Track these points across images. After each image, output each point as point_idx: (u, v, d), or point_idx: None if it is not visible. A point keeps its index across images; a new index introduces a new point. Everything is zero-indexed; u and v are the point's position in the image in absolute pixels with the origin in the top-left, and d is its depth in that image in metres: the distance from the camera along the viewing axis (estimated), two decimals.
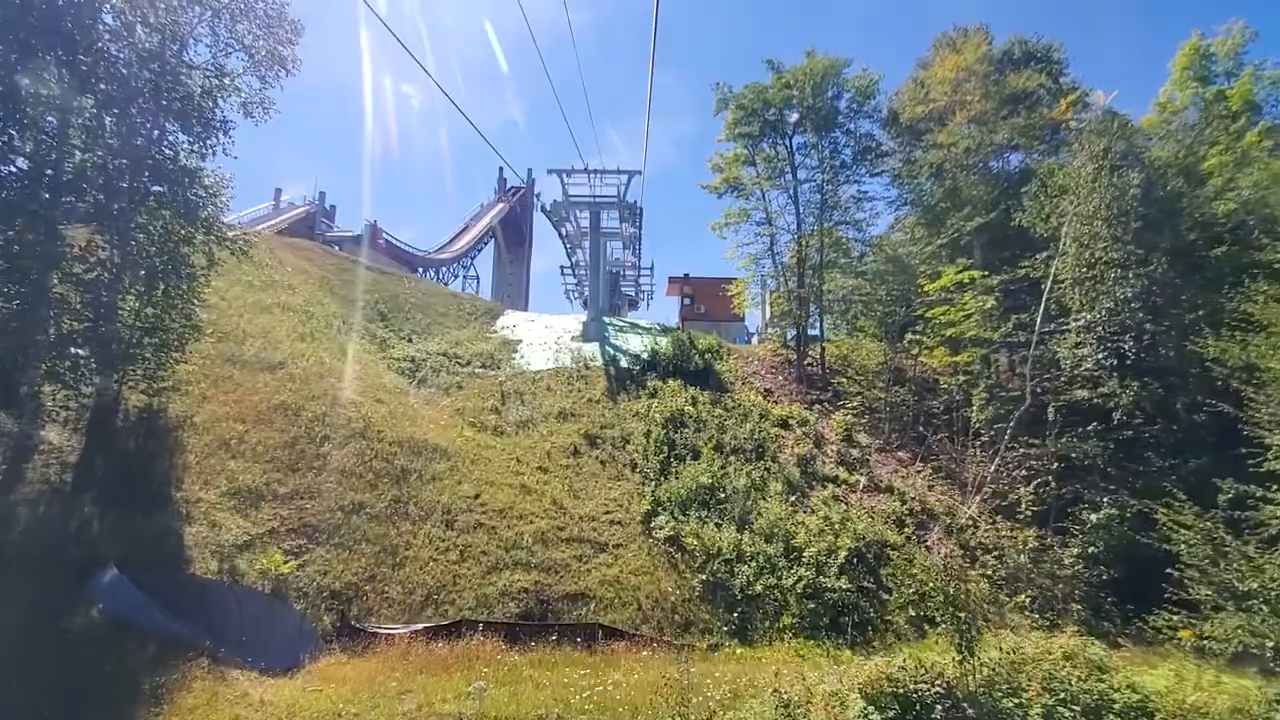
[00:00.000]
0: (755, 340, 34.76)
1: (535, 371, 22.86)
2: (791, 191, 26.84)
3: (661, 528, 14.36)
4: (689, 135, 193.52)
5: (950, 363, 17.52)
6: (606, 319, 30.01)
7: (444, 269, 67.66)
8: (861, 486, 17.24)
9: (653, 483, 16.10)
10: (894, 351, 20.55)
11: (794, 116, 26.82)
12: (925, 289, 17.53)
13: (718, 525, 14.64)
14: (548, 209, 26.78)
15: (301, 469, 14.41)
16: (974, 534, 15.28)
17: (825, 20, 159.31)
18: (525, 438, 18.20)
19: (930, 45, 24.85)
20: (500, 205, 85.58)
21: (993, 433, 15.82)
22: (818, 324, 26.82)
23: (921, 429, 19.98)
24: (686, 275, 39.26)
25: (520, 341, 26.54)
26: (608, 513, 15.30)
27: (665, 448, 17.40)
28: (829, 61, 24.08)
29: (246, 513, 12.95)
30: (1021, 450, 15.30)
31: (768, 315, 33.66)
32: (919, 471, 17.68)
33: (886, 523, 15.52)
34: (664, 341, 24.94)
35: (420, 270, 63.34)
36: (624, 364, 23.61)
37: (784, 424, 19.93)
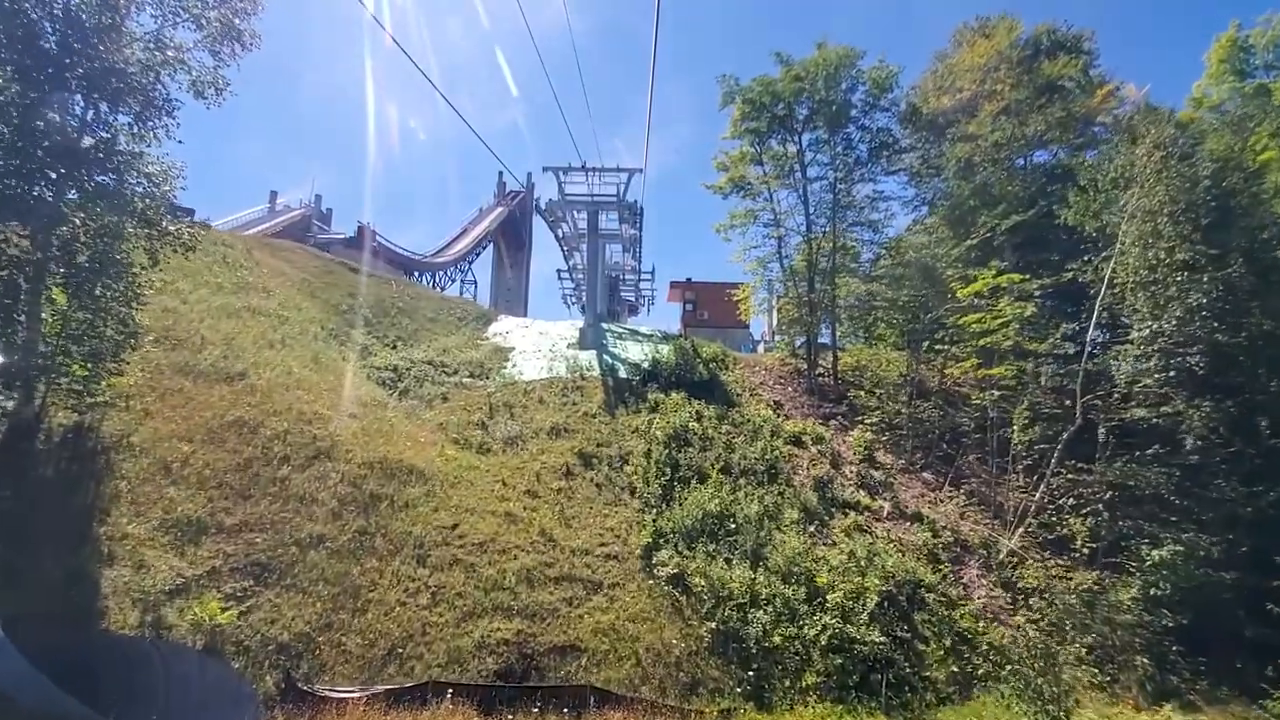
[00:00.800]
0: (762, 348, 32.92)
1: (527, 382, 21.00)
2: (801, 191, 25.06)
3: (664, 564, 12.47)
4: (690, 142, 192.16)
5: (984, 376, 15.71)
6: (605, 325, 28.18)
7: (440, 273, 65.88)
8: (886, 513, 15.36)
9: (654, 510, 14.21)
10: (917, 362, 18.70)
11: (804, 112, 25.06)
12: (958, 294, 15.75)
13: (728, 561, 12.74)
14: (543, 208, 24.90)
15: (254, 496, 12.52)
16: (1017, 571, 13.38)
17: (827, 30, 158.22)
18: (513, 456, 16.31)
19: (950, 38, 23.13)
20: (499, 209, 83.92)
21: (1035, 455, 13.96)
22: (828, 331, 25.00)
23: (947, 447, 18.11)
24: (689, 280, 37.47)
25: (513, 349, 24.70)
26: (603, 545, 13.41)
27: (668, 469, 15.52)
28: (843, 52, 22.33)
29: (183, 549, 11.07)
30: (1068, 475, 13.43)
31: (774, 322, 31.84)
32: (950, 497, 15.80)
33: (918, 557, 13.62)
34: (666, 350, 23.09)
35: (416, 274, 61.58)
36: (623, 374, 21.75)
37: (797, 441, 18.04)
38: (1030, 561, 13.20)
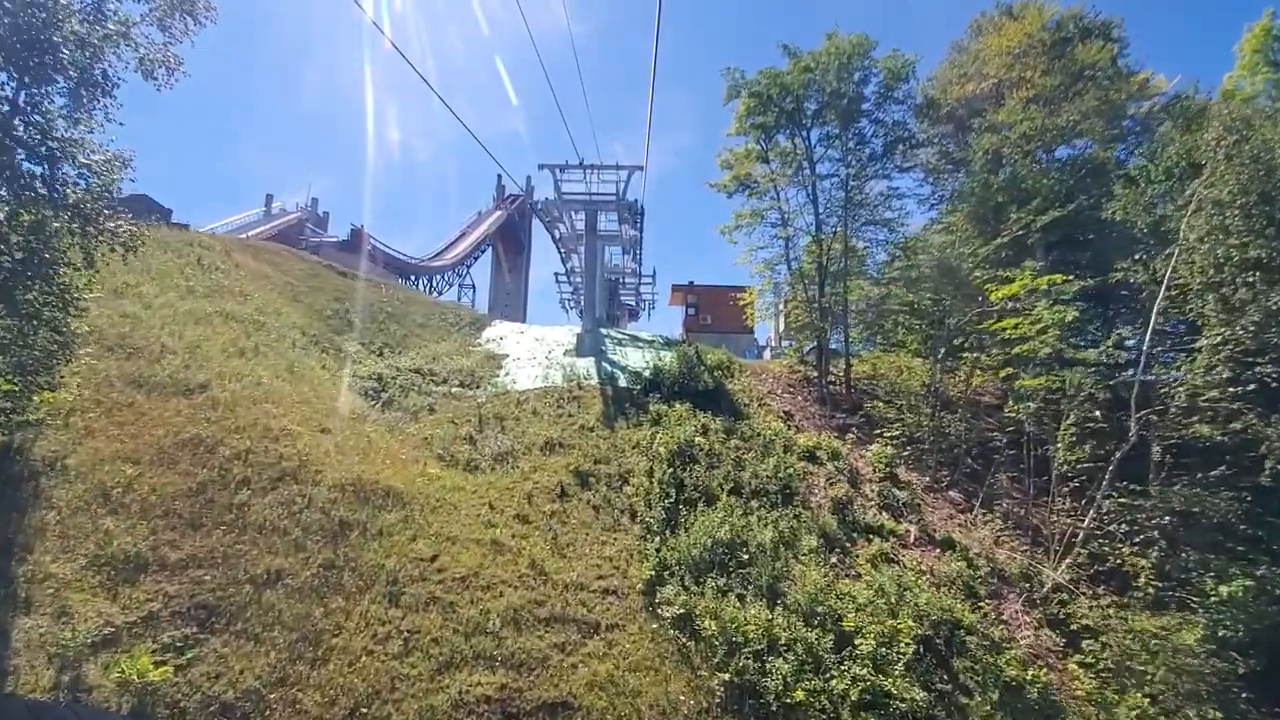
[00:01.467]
0: (768, 355, 31.43)
1: (521, 391, 19.49)
2: (810, 189, 23.55)
3: (670, 602, 10.94)
4: (691, 148, 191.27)
5: (1021, 387, 14.22)
6: (604, 330, 26.71)
7: (438, 277, 64.49)
8: (913, 538, 13.84)
9: (657, 537, 12.69)
10: (940, 370, 17.20)
11: (813, 106, 23.62)
12: (991, 296, 14.28)
13: (741, 598, 11.21)
14: (539, 208, 23.44)
15: (206, 525, 11.02)
16: (1065, 607, 11.85)
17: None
18: (503, 475, 14.79)
19: (968, 26, 21.68)
20: (498, 213, 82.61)
21: (1083, 476, 12.45)
22: (840, 337, 23.51)
23: (974, 463, 16.59)
24: (691, 283, 36.03)
25: (506, 356, 23.21)
26: (600, 578, 11.87)
27: (672, 490, 13.99)
28: (856, 40, 20.90)
29: (116, 591, 9.57)
30: (1120, 499, 11.93)
31: (781, 327, 30.42)
32: (983, 520, 14.28)
33: (953, 591, 12.08)
34: (668, 357, 21.59)
35: (412, 278, 60.16)
36: (623, 383, 20.25)
37: (812, 457, 16.51)
38: (1081, 597, 11.67)
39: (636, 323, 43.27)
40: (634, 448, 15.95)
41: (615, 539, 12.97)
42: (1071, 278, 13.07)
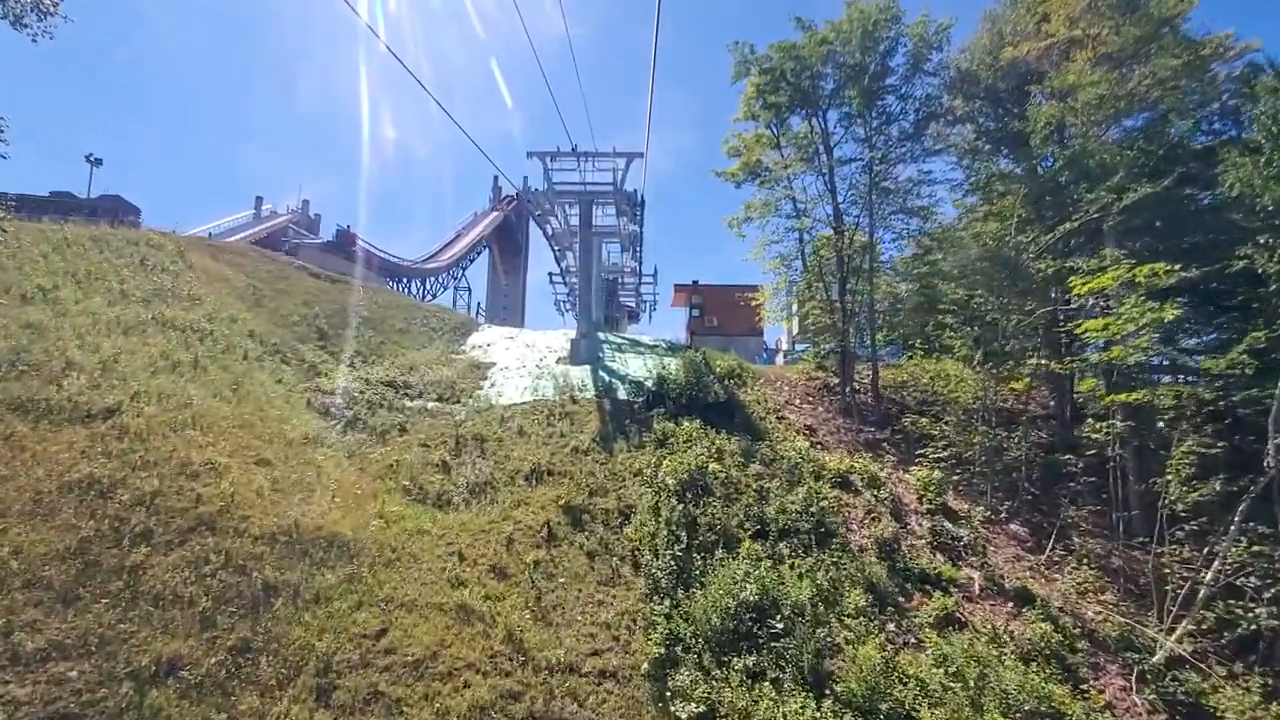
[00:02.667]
0: (781, 360, 28.77)
1: (507, 406, 16.87)
2: (827, 176, 21.00)
3: (685, 694, 8.31)
4: (690, 150, 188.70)
5: (1110, 402, 11.58)
6: (601, 335, 24.08)
7: (431, 279, 61.94)
8: (978, 589, 11.18)
9: (665, 597, 10.05)
10: (995, 381, 14.56)
11: (830, 84, 21.06)
12: (1076, 290, 11.63)
13: (776, 684, 8.57)
14: (528, 200, 20.81)
15: (84, 599, 8.37)
16: (1185, 685, 9.19)
17: None
18: (479, 512, 12.16)
19: None
20: (494, 214, 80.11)
21: (1202, 518, 9.81)
22: (864, 340, 20.87)
23: (1031, 487, 13.95)
24: (695, 282, 33.28)
25: (493, 365, 20.57)
26: (595, 654, 9.24)
27: (682, 531, 11.34)
28: (882, 4, 18.29)
29: None
30: (1253, 546, 9.31)
31: (795, 329, 27.78)
32: (1060, 562, 11.62)
33: (1040, 665, 9.43)
34: (673, 364, 18.98)
35: (405, 281, 57.57)
36: (622, 395, 17.62)
37: (844, 483, 13.89)
38: (1212, 674, 9.04)
39: (636, 325, 40.56)
40: (636, 475, 13.30)
41: (614, 597, 10.33)
42: (1175, 267, 10.47)
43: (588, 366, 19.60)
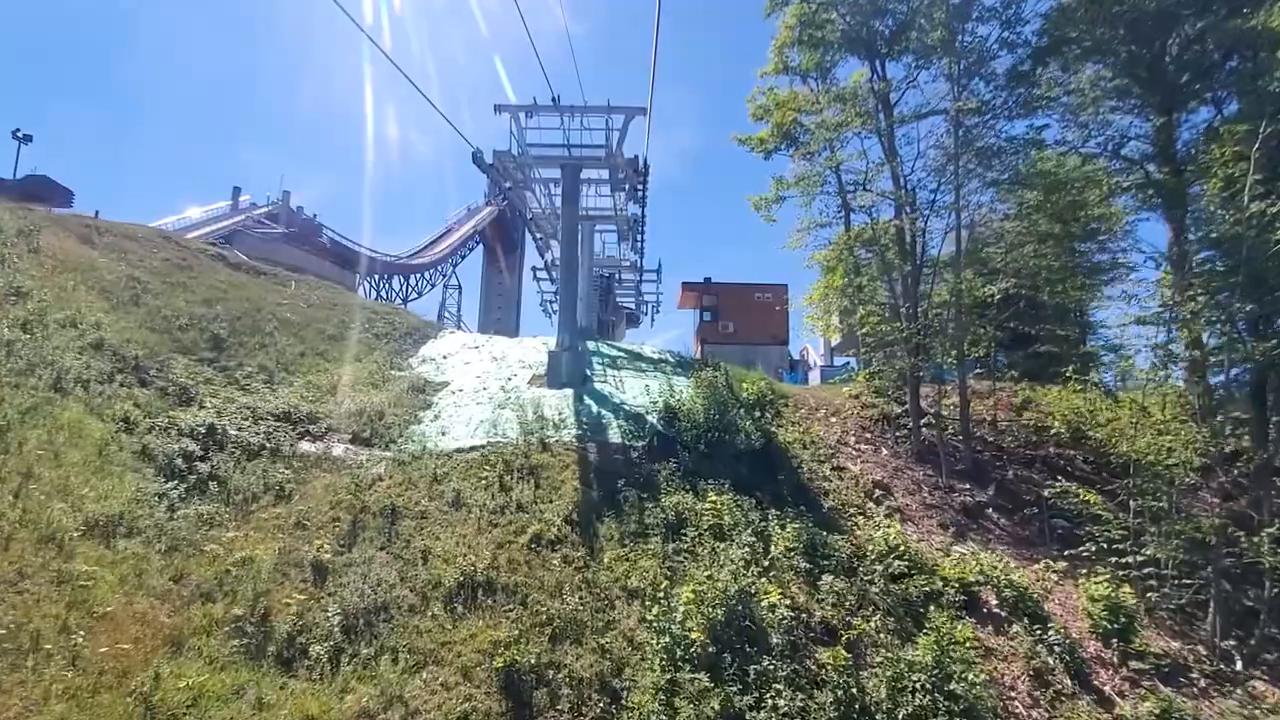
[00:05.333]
0: (816, 376, 23.17)
1: (447, 454, 11.32)
2: (886, 140, 15.45)
3: None
4: (691, 150, 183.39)
5: None
6: (592, 344, 18.47)
7: (417, 276, 56.34)
8: None
9: None
10: (1225, 432, 8.90)
11: (891, 23, 15.57)
12: None
13: None
14: (495, 167, 15.19)
15: None
16: None
17: None
18: (344, 686, 6.56)
19: None
20: (489, 208, 74.32)
21: None
22: (939, 357, 15.30)
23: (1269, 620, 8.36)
24: (707, 280, 27.54)
25: (445, 386, 14.99)
26: None
27: None
28: None
29: None
30: None
31: (835, 339, 22.18)
32: None
33: None
34: (685, 389, 13.52)
35: (383, 277, 51.96)
36: (614, 435, 12.05)
37: (971, 602, 8.30)
38: None
39: (636, 329, 34.75)
40: (633, 598, 7.70)
41: None
42: None
43: (569, 390, 14.02)
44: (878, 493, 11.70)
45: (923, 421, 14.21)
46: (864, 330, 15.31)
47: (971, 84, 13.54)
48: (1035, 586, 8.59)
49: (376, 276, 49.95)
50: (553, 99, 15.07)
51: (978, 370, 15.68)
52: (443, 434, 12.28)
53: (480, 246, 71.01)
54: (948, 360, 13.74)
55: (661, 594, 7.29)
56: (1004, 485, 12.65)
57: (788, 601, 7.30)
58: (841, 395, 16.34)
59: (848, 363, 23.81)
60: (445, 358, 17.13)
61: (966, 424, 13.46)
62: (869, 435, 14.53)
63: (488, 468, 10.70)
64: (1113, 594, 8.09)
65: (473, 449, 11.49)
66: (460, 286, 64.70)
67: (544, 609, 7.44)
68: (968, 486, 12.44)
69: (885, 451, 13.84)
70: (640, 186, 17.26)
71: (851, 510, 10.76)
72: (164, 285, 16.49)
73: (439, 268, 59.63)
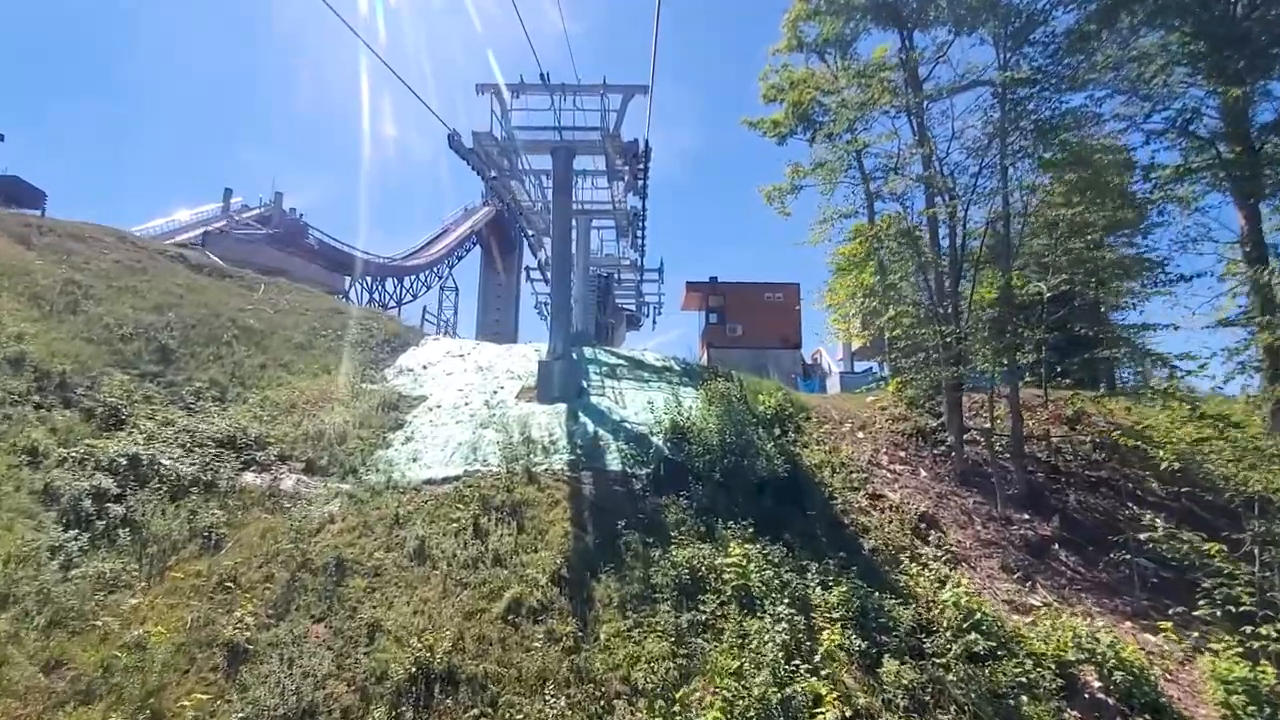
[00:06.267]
0: (835, 385, 21.24)
1: (415, 486, 9.48)
2: (915, 123, 13.61)
3: None
4: (691, 150, 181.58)
5: None
6: (589, 350, 16.60)
7: (412, 278, 54.51)
8: None
9: None
10: None
11: None
12: None
13: None
14: (475, 152, 13.31)
15: None
16: None
17: None
18: None
19: None
20: (486, 209, 72.47)
21: None
22: (976, 363, 13.41)
23: None
24: (713, 280, 25.53)
25: (422, 401, 13.12)
26: None
27: None
28: None
29: None
30: None
31: (855, 345, 20.34)
32: None
33: None
34: (695, 403, 11.66)
35: (376, 279, 50.14)
36: (614, 464, 10.18)
37: (1070, 687, 6.41)
38: None
39: (637, 331, 32.79)
40: (638, 695, 5.83)
41: None
42: None
43: (562, 406, 12.16)
44: (924, 528, 9.83)
45: (964, 438, 12.36)
46: (895, 333, 13.43)
47: (1021, 50, 11.65)
48: (1148, 661, 6.74)
49: (369, 279, 48.13)
50: (541, 76, 13.20)
51: (1026, 378, 13.80)
52: (414, 460, 10.43)
53: (477, 247, 69.23)
54: (999, 367, 11.84)
55: (677, 697, 5.41)
56: (1067, 515, 10.78)
57: (846, 710, 5.42)
58: (867, 406, 14.48)
59: (871, 368, 21.88)
60: (425, 368, 15.27)
61: (1019, 441, 11.57)
62: (903, 454, 12.65)
63: (461, 506, 8.84)
64: (1252, 675, 6.24)
65: (446, 480, 9.64)
66: (457, 288, 62.90)
67: (521, 714, 5.58)
68: (1026, 517, 10.57)
69: (924, 473, 11.98)
70: (640, 175, 15.43)
71: (898, 552, 8.90)
72: (109, 290, 14.65)
73: (434, 269, 57.82)
